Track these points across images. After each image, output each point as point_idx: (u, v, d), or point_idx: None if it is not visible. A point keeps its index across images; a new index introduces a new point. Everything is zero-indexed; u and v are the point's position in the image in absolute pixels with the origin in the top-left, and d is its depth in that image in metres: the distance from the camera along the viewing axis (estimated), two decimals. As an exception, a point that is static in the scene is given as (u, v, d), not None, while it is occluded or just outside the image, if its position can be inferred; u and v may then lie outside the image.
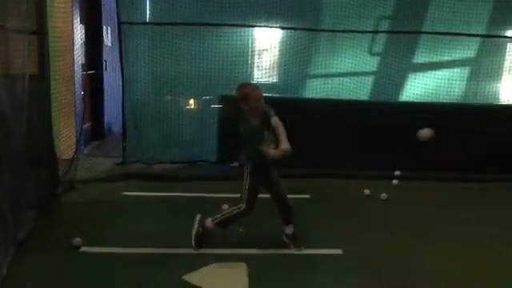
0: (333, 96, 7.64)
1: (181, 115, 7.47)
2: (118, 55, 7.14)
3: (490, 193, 6.34)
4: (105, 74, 8.92)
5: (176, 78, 7.31)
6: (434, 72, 8.20)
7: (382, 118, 7.06)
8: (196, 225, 4.09)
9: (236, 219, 4.10)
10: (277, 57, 8.22)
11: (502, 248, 4.45)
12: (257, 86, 4.10)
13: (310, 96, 7.94)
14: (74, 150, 6.44)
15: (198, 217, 4.14)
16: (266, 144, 3.91)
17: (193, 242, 4.04)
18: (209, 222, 4.07)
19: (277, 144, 3.87)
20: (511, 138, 7.21)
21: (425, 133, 4.58)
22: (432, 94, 8.01)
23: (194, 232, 4.07)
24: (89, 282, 3.56)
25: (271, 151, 3.84)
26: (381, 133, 7.00)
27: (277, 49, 8.21)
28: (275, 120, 3.86)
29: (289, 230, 4.20)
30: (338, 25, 7.56)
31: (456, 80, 8.08)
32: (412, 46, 8.12)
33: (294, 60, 7.78)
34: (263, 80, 8.07)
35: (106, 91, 8.97)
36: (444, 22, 7.69)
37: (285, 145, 3.79)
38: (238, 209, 4.04)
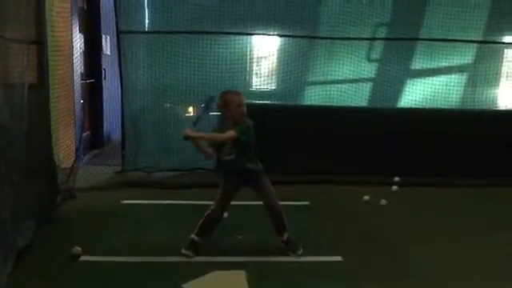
0: (331, 103, 7.67)
1: (180, 123, 7.48)
2: (117, 64, 7.17)
3: (489, 198, 6.34)
4: (104, 82, 8.94)
5: (175, 86, 7.33)
6: (431, 78, 8.21)
7: (380, 124, 7.08)
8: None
9: (210, 224, 4.14)
10: (275, 64, 8.25)
11: (502, 253, 4.44)
12: (238, 93, 4.14)
13: (309, 103, 7.96)
14: (73, 159, 6.43)
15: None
16: (225, 153, 4.02)
17: (183, 251, 4.09)
18: (192, 235, 4.15)
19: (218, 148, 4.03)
20: (509, 143, 7.23)
21: None
22: (430, 99, 8.03)
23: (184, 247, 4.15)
24: (88, 290, 3.56)
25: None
26: (379, 139, 7.01)
27: (275, 56, 8.23)
28: (231, 131, 3.92)
29: (284, 236, 4.19)
30: (336, 32, 7.59)
31: (453, 86, 8.10)
32: (409, 52, 8.15)
33: (293, 67, 7.80)
34: (262, 87, 8.10)
35: (105, 100, 8.98)
36: (441, 28, 7.72)
37: (190, 131, 3.92)
38: (209, 210, 4.13)
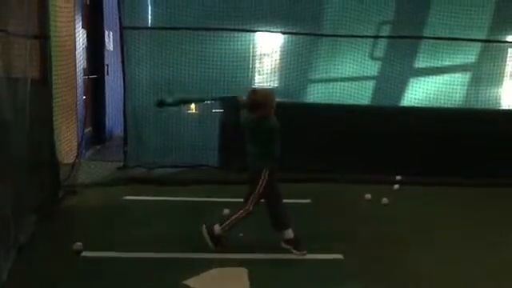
0: (334, 101, 7.65)
1: (182, 119, 7.48)
2: (119, 60, 7.17)
3: (491, 197, 6.33)
4: (106, 78, 8.94)
5: (177, 83, 7.32)
6: (435, 77, 8.20)
7: (382, 123, 7.06)
8: (207, 237, 4.11)
9: (240, 222, 4.13)
10: (278, 61, 8.23)
11: (503, 255, 4.43)
12: (274, 94, 4.18)
13: (311, 101, 7.94)
14: (75, 155, 6.45)
15: (204, 230, 4.13)
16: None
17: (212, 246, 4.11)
18: (217, 229, 4.10)
19: None
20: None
21: None
22: (433, 98, 8.00)
23: (210, 244, 4.11)
24: (90, 287, 3.55)
25: None
26: (382, 137, 7.00)
27: (278, 53, 8.22)
28: None
29: (288, 234, 4.19)
30: (340, 29, 7.57)
31: (457, 85, 8.08)
32: (413, 50, 8.12)
33: (295, 65, 7.78)
34: (264, 85, 8.08)
35: (107, 95, 8.99)
36: (445, 26, 7.69)
37: None
38: (245, 212, 4.09)
